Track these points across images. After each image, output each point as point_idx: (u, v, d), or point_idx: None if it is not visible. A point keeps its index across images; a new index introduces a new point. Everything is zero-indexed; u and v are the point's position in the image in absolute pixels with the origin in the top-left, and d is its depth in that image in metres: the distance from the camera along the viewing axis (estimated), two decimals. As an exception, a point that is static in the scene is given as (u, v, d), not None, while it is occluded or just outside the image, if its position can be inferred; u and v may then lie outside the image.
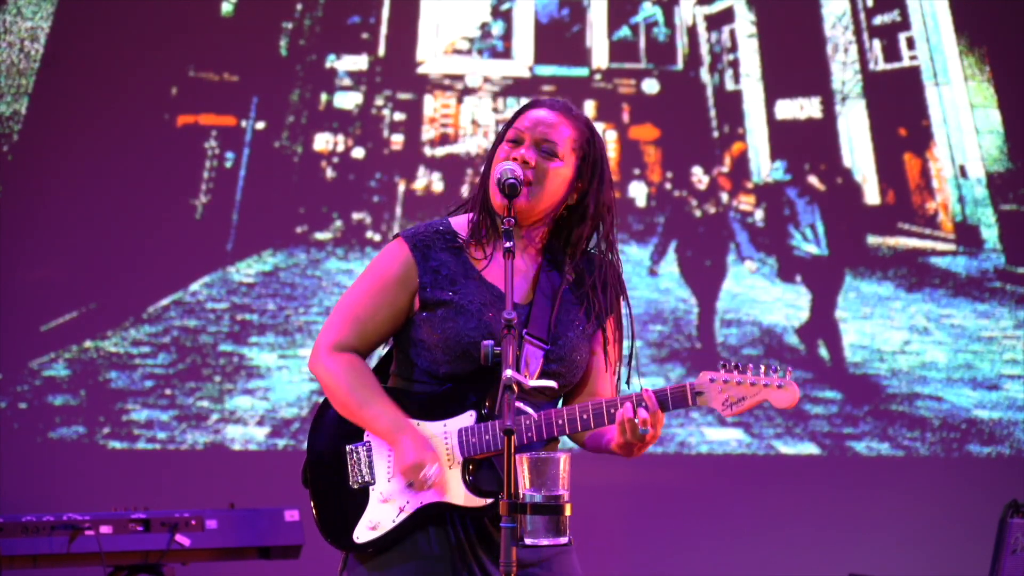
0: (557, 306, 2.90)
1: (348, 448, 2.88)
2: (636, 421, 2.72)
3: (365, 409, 2.85)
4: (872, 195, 6.59)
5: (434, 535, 2.84)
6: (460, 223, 2.95)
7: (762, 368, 2.76)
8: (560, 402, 2.96)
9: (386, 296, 2.90)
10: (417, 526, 2.83)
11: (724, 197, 6.54)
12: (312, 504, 2.90)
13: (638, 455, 2.80)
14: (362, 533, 2.84)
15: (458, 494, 2.81)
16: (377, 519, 2.83)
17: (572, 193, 2.91)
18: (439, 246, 2.91)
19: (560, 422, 2.79)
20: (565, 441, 2.91)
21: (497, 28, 6.61)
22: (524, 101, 3.02)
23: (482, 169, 2.97)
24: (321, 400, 2.99)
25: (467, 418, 2.84)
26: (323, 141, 6.44)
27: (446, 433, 2.84)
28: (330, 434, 2.91)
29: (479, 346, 2.73)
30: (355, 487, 2.86)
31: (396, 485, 2.84)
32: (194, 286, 6.32)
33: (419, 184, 6.46)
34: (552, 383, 2.80)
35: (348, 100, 6.49)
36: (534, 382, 2.73)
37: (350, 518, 2.85)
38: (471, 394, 2.84)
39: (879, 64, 6.67)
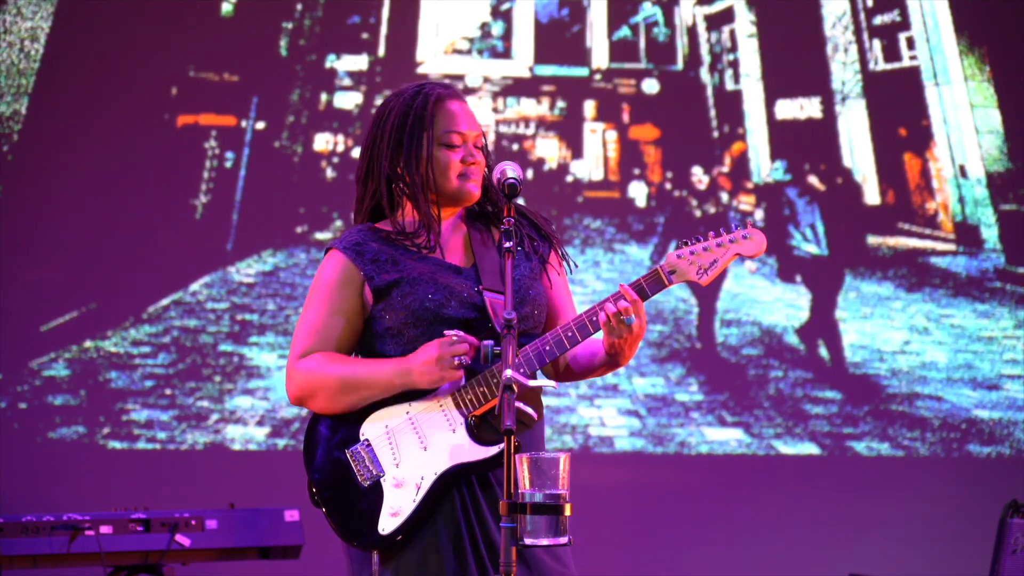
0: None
1: (349, 452, 2.88)
2: (620, 312, 2.77)
3: (358, 377, 2.86)
4: (872, 195, 6.59)
5: (448, 512, 2.83)
6: (384, 224, 2.99)
7: (722, 229, 2.86)
8: None
9: (335, 302, 2.92)
10: (436, 505, 2.82)
11: (724, 197, 6.54)
12: (329, 518, 2.88)
13: (629, 356, 2.85)
14: (386, 523, 2.83)
15: (467, 451, 2.81)
16: (397, 504, 2.83)
17: None
18: (369, 239, 2.95)
19: (548, 348, 2.82)
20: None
21: (497, 28, 6.60)
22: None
23: (405, 160, 2.95)
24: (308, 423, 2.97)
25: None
26: (323, 141, 6.44)
27: (440, 401, 2.85)
28: (324, 449, 2.90)
29: (444, 308, 2.81)
30: (367, 484, 2.86)
31: (405, 468, 2.83)
32: (194, 286, 6.32)
33: (419, 184, 6.45)
34: (551, 382, 2.80)
35: (348, 100, 6.49)
36: (533, 382, 2.73)
37: (371, 515, 2.84)
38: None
39: (879, 64, 6.67)
